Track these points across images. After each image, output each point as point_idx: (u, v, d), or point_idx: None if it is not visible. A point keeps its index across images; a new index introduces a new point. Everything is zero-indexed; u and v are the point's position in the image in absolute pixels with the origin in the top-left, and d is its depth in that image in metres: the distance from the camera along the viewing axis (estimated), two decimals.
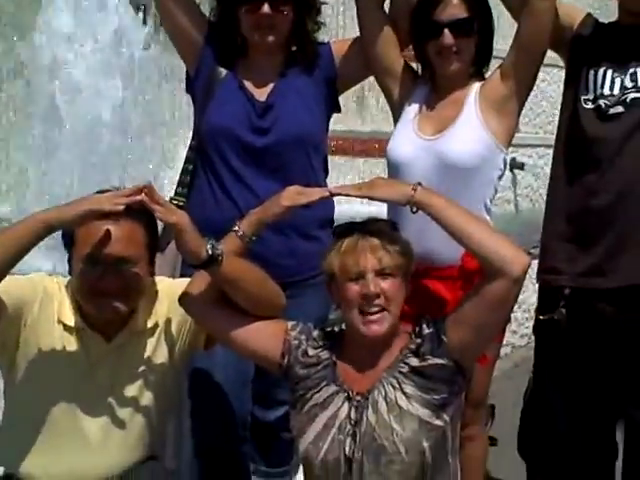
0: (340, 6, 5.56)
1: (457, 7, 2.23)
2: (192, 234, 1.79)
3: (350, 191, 1.89)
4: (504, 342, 2.59)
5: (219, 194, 2.32)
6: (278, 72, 2.37)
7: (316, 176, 2.37)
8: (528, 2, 2.20)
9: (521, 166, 6.83)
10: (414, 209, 1.83)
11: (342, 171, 5.61)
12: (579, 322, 2.23)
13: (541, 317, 2.33)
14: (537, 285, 2.38)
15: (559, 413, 2.33)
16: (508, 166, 7.20)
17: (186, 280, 1.96)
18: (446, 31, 2.22)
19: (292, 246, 2.31)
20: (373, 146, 5.60)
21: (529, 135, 6.88)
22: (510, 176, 6.83)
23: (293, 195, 1.88)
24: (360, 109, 6.10)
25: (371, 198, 1.85)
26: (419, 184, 1.84)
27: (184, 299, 1.93)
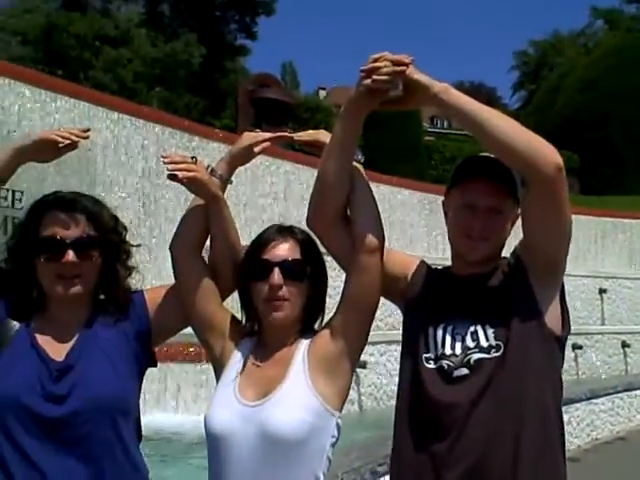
0: None
1: (288, 250, 2.08)
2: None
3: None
4: None
5: None
6: (82, 326, 2.08)
7: (125, 448, 2.03)
8: (355, 259, 2.07)
9: (364, 365, 6.77)
10: None
11: None
12: None
13: None
14: None
15: None
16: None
17: None
18: (276, 270, 2.05)
19: None
20: None
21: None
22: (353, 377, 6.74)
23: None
24: None
25: None
26: None
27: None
